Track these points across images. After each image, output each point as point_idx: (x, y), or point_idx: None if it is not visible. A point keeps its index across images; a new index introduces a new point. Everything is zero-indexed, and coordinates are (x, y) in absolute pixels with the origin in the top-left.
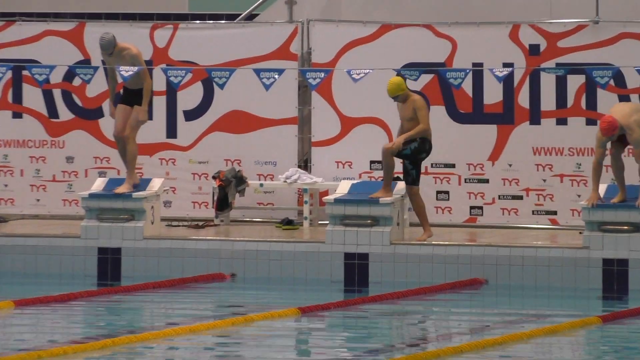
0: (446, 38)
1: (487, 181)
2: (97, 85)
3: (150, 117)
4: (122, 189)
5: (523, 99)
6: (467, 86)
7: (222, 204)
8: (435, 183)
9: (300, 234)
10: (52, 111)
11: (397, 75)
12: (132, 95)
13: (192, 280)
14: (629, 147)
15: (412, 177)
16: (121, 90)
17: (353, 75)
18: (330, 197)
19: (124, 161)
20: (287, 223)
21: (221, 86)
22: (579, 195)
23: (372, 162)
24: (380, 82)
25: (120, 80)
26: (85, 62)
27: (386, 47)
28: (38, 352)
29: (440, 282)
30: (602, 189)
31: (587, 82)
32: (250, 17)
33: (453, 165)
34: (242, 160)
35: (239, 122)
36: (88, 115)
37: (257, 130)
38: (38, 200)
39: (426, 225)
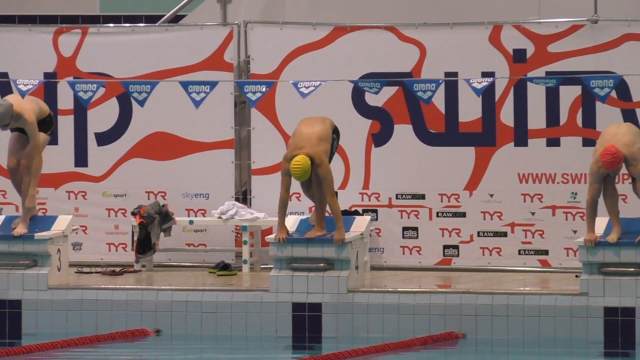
0: (413, 42)
1: (463, 215)
2: None
3: (55, 142)
4: (21, 229)
5: (506, 115)
6: (439, 100)
7: (144, 245)
8: (402, 217)
9: (239, 280)
10: None
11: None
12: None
13: (108, 339)
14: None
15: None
16: None
17: (301, 89)
18: (274, 237)
19: (20, 195)
20: (223, 268)
21: (141, 103)
22: (574, 231)
23: None
24: (334, 96)
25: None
26: None
27: (341, 55)
28: None
29: (408, 337)
30: (602, 224)
31: (584, 94)
32: (176, 19)
33: (422, 197)
34: (168, 193)
35: (163, 147)
36: None
37: (186, 156)
38: None
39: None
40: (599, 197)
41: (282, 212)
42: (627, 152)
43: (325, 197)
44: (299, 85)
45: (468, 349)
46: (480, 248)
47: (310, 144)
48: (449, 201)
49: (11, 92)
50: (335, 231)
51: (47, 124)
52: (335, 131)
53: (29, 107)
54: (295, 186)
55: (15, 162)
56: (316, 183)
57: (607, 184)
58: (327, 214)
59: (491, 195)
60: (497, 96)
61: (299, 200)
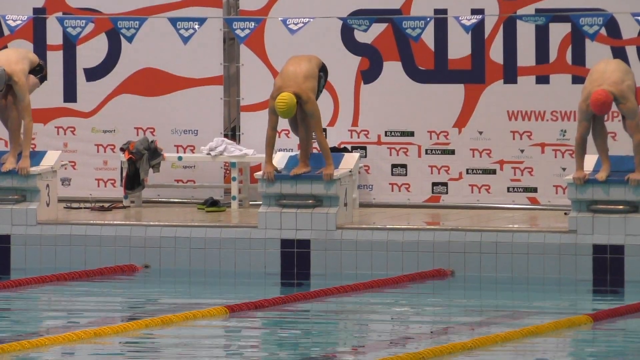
0: None
1: (452, 152)
2: None
3: (45, 78)
4: (9, 164)
5: (496, 53)
6: (428, 38)
7: (133, 181)
8: (390, 155)
9: (228, 217)
10: None
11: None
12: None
13: (97, 273)
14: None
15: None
16: None
17: (290, 26)
18: (261, 174)
19: (7, 129)
20: (212, 204)
21: (129, 39)
22: (563, 169)
23: None
24: (323, 33)
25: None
26: None
27: None
28: None
29: (397, 274)
30: (591, 162)
31: (573, 32)
32: None
33: (411, 134)
34: (157, 129)
35: (152, 83)
36: None
37: (174, 92)
38: None
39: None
40: (588, 135)
41: (270, 150)
42: (616, 91)
43: (309, 134)
44: (287, 22)
45: (456, 286)
46: (469, 185)
47: (296, 82)
48: (437, 138)
49: (0, 28)
50: (324, 167)
51: (37, 72)
52: (323, 69)
53: (20, 67)
54: (284, 123)
55: (4, 102)
56: (301, 120)
57: (597, 121)
58: (315, 151)
59: (480, 133)
60: (487, 34)
61: (288, 137)
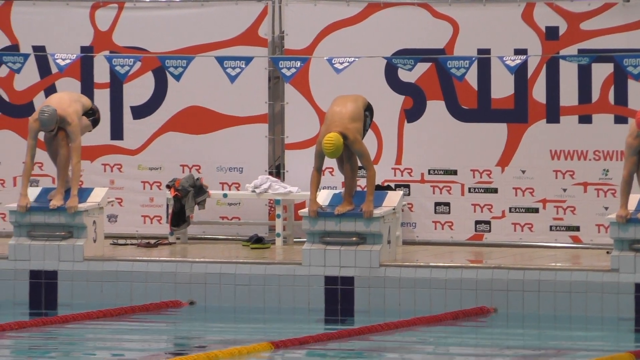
0: (446, 19)
1: (495, 191)
2: (27, 76)
3: (97, 122)
4: (57, 201)
5: (539, 92)
6: (472, 77)
7: (178, 218)
8: (434, 193)
9: (272, 254)
10: None
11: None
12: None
13: (143, 310)
14: None
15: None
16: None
17: (335, 65)
18: (308, 210)
19: (55, 165)
20: (257, 241)
21: (177, 77)
22: (606, 208)
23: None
24: (368, 72)
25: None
26: (13, 48)
27: (374, 31)
28: None
29: (440, 312)
30: (634, 201)
31: (616, 72)
32: None
33: (455, 172)
34: (202, 166)
35: (198, 121)
36: (16, 112)
37: (220, 130)
38: None
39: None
40: (635, 172)
41: (314, 188)
42: None
43: (354, 173)
44: (333, 61)
45: (499, 324)
46: (512, 224)
47: (342, 122)
48: (481, 177)
49: (49, 66)
50: (364, 203)
51: (89, 115)
52: (368, 108)
53: (72, 109)
54: (329, 161)
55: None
56: (347, 159)
57: None
58: (359, 189)
59: (523, 172)
60: (530, 73)
61: (332, 175)
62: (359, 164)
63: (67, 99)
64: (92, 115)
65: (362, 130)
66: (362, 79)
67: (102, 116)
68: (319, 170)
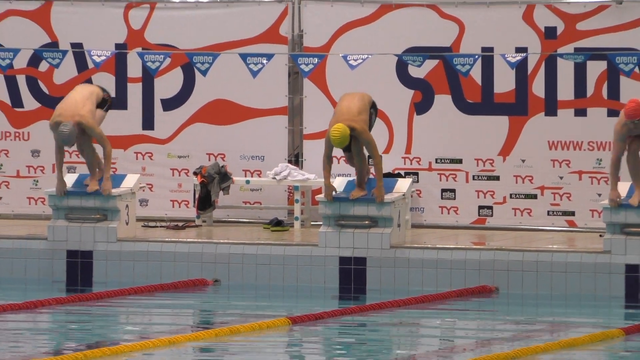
0: (453, 20)
1: (497, 178)
2: (66, 71)
3: (125, 107)
4: (93, 186)
5: (538, 87)
6: (476, 73)
7: (205, 202)
8: (440, 180)
9: (291, 236)
10: (16, 100)
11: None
12: None
13: (171, 287)
14: None
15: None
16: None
17: (350, 61)
18: (324, 194)
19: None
20: (276, 224)
21: (203, 72)
22: (599, 194)
23: (369, 156)
24: (380, 68)
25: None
26: (53, 44)
27: (386, 30)
28: None
29: (445, 290)
30: (624, 188)
31: (609, 69)
32: None
33: (460, 161)
34: (227, 155)
35: (223, 113)
36: (55, 104)
37: (243, 121)
38: (0, 198)
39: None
40: (623, 157)
41: (327, 173)
42: None
43: (364, 163)
44: (348, 58)
45: (500, 302)
46: (512, 209)
47: (350, 115)
48: (484, 165)
49: (86, 62)
50: (375, 188)
51: (103, 103)
52: (373, 106)
53: (87, 109)
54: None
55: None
56: (355, 153)
57: (631, 148)
58: (371, 176)
59: (523, 161)
60: (529, 70)
61: (346, 163)
62: (367, 154)
63: (80, 99)
64: (104, 104)
65: (368, 122)
66: (374, 74)
67: (134, 109)
68: (328, 157)
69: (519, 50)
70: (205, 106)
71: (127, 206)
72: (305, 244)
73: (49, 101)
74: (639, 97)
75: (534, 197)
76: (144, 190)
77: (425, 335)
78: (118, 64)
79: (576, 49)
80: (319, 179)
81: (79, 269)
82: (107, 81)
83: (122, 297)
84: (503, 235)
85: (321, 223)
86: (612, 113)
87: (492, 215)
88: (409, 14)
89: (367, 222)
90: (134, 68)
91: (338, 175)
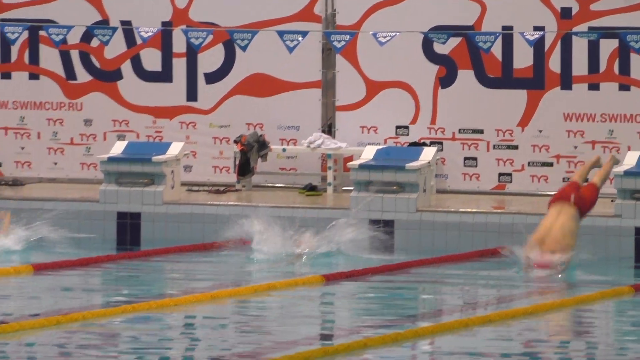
0: (475, 0)
1: (516, 147)
2: (116, 47)
3: (170, 80)
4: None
5: (554, 63)
6: (497, 50)
7: (244, 169)
8: (463, 149)
9: (324, 200)
10: (70, 73)
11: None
12: None
13: (214, 247)
14: None
15: None
16: None
17: (379, 38)
18: (355, 163)
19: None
20: (311, 189)
21: (243, 48)
22: None
23: (397, 127)
24: (407, 45)
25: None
26: (104, 22)
27: (413, 10)
28: (57, 318)
29: (467, 250)
30: (635, 157)
31: (621, 47)
32: None
33: (481, 131)
34: (265, 125)
35: (262, 86)
36: (106, 77)
37: (280, 94)
38: (55, 163)
39: None
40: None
41: None
42: None
43: None
44: (377, 35)
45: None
46: (530, 176)
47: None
48: (504, 135)
49: (134, 38)
50: None
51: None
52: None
53: None
54: (372, 115)
55: None
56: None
57: None
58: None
59: (540, 131)
60: (546, 47)
61: (376, 134)
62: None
63: None
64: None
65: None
66: (402, 51)
67: (179, 81)
68: None
69: (536, 28)
70: (245, 79)
71: (172, 171)
72: (338, 207)
73: (100, 74)
74: None
75: (550, 165)
76: (187, 157)
77: (448, 293)
78: (164, 40)
79: (590, 28)
80: (351, 148)
81: (128, 229)
82: (153, 56)
83: (168, 255)
84: (521, 201)
85: (352, 188)
86: (623, 87)
87: (511, 182)
88: None
89: (395, 187)
90: (178, 44)
91: (368, 145)
